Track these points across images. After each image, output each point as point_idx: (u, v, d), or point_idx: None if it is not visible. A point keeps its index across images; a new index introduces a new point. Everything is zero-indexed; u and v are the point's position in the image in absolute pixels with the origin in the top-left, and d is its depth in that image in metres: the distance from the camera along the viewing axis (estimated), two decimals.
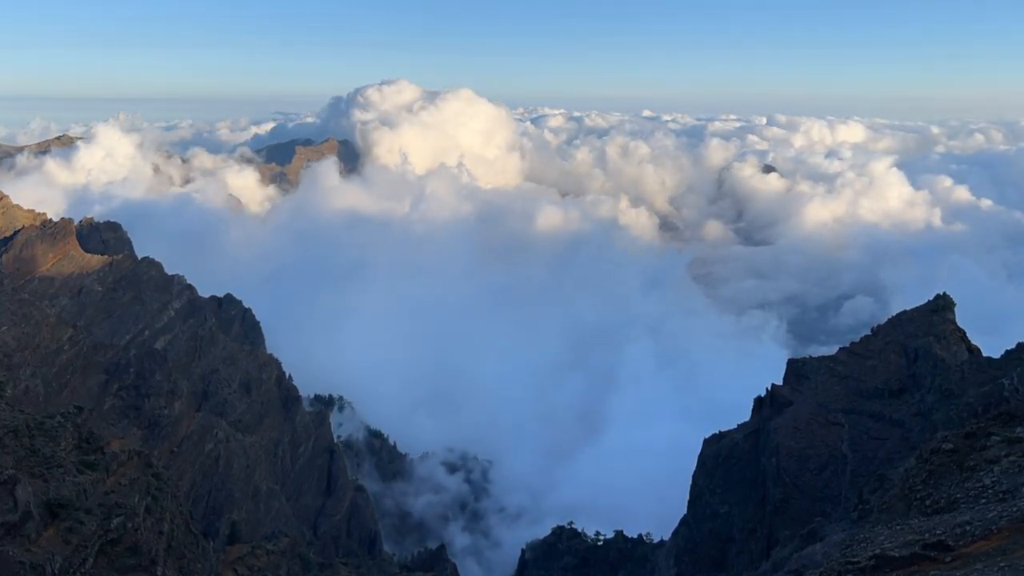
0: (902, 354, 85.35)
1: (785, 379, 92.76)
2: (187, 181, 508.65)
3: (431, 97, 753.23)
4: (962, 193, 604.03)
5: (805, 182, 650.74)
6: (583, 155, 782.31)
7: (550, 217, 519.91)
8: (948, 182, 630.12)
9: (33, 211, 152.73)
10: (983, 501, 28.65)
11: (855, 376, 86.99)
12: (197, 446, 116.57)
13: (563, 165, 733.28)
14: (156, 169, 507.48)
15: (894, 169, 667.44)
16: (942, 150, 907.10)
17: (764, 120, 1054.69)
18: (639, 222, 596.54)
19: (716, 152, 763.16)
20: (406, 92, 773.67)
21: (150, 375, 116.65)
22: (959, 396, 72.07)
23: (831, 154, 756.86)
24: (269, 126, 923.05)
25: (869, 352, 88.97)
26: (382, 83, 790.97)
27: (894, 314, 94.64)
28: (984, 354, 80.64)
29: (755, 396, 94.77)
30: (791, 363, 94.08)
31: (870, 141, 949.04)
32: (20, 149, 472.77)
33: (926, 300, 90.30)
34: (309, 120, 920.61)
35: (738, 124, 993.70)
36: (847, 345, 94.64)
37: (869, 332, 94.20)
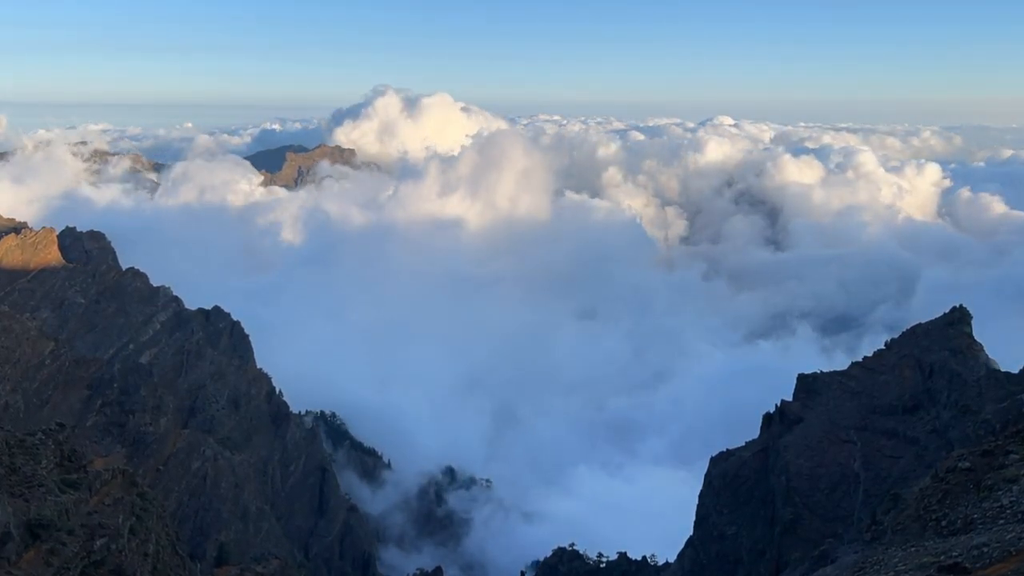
0: (917, 369, 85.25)
1: (795, 395, 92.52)
2: (180, 186, 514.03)
3: (423, 102, 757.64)
4: (983, 200, 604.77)
5: (824, 187, 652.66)
6: (589, 158, 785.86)
7: (564, 220, 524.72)
8: (970, 188, 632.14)
9: (13, 219, 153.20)
10: (1001, 522, 28.61)
11: (868, 392, 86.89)
12: (184, 464, 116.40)
13: (571, 169, 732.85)
14: (145, 175, 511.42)
15: (914, 176, 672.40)
16: (964, 157, 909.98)
17: (770, 129, 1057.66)
18: (654, 224, 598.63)
19: (726, 155, 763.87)
20: (395, 99, 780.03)
21: (135, 390, 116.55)
22: (976, 413, 72.01)
23: (848, 158, 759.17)
24: (259, 132, 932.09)
25: (882, 367, 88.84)
26: (374, 91, 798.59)
27: (909, 327, 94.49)
28: (1002, 369, 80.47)
29: (764, 412, 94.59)
30: (801, 378, 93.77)
31: (887, 147, 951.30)
32: (14, 152, 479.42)
33: (943, 312, 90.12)
34: (300, 126, 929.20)
35: (741, 128, 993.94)
36: (860, 359, 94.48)
37: (883, 346, 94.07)
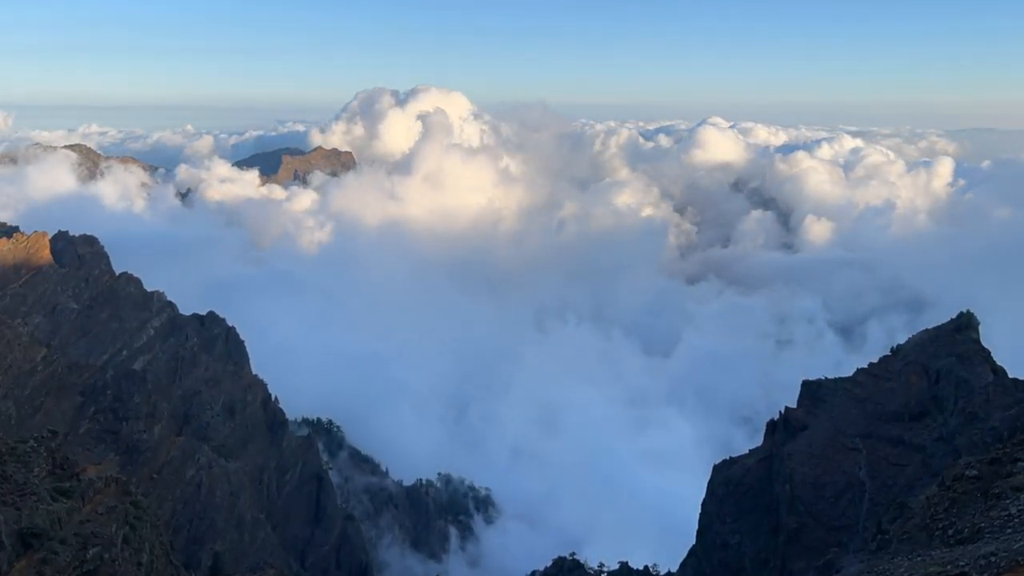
0: (923, 375, 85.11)
1: (799, 402, 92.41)
2: (178, 188, 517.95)
3: (420, 104, 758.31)
4: (990, 202, 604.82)
5: (832, 188, 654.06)
6: (592, 160, 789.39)
7: (569, 220, 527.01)
8: (976, 191, 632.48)
9: (5, 223, 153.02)
10: (1009, 531, 28.60)
11: (873, 399, 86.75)
12: (178, 472, 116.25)
13: (574, 170, 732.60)
14: (144, 177, 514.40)
15: (923, 176, 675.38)
16: (969, 160, 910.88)
17: (776, 131, 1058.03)
18: (661, 226, 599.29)
19: (733, 157, 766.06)
20: (392, 101, 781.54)
21: (128, 397, 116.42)
22: (983, 420, 71.97)
23: (856, 160, 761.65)
24: (258, 134, 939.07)
25: (888, 373, 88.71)
26: (371, 93, 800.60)
27: (916, 332, 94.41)
28: (1010, 375, 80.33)
29: (768, 419, 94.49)
30: (806, 385, 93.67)
31: (892, 150, 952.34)
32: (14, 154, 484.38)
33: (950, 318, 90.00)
34: (301, 128, 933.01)
35: (746, 131, 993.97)
36: (866, 365, 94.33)
37: (889, 352, 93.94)
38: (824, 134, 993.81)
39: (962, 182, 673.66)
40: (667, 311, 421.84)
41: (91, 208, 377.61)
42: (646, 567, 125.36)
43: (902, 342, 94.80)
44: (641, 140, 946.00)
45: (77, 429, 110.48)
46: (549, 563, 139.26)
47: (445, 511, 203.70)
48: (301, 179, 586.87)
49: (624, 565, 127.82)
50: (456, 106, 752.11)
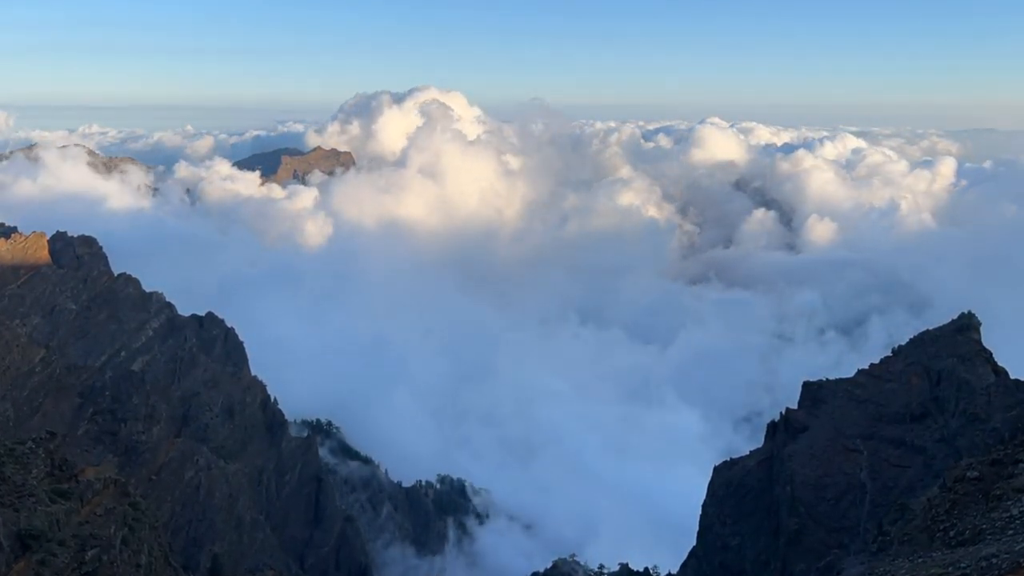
0: (924, 376, 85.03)
1: (800, 403, 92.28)
2: (177, 189, 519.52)
3: (419, 104, 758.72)
4: (991, 203, 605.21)
5: (835, 188, 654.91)
6: (593, 160, 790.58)
7: (570, 221, 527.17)
8: (978, 191, 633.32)
9: (3, 223, 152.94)
10: (1010, 532, 28.59)
11: (874, 400, 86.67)
12: (177, 474, 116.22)
13: (575, 171, 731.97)
14: (144, 178, 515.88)
15: (925, 176, 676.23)
16: (971, 160, 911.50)
17: (778, 131, 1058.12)
18: (662, 226, 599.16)
19: (734, 157, 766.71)
20: (391, 101, 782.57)
21: (127, 398, 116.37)
22: (985, 421, 71.92)
23: (858, 160, 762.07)
24: (258, 134, 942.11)
25: (889, 374, 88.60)
26: (371, 94, 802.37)
27: (917, 333, 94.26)
28: (1011, 376, 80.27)
29: (768, 420, 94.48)
30: (806, 386, 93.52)
31: (893, 150, 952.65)
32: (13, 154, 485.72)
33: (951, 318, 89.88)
34: (301, 128, 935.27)
35: (748, 131, 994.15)
36: (867, 366, 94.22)
37: (890, 353, 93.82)
38: (825, 134, 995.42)
39: (964, 182, 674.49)
40: (669, 311, 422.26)
41: (94, 207, 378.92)
42: (646, 569, 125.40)
43: (903, 342, 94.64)
44: (641, 140, 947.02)
45: (75, 430, 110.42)
46: (549, 564, 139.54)
47: (443, 511, 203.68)
48: (300, 179, 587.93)
49: (624, 567, 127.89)
50: (455, 106, 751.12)
